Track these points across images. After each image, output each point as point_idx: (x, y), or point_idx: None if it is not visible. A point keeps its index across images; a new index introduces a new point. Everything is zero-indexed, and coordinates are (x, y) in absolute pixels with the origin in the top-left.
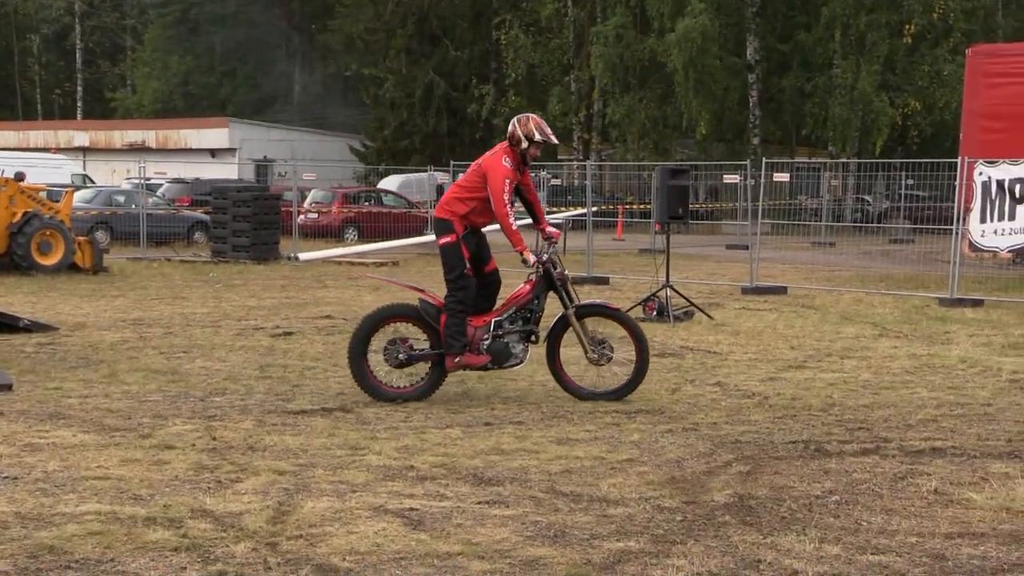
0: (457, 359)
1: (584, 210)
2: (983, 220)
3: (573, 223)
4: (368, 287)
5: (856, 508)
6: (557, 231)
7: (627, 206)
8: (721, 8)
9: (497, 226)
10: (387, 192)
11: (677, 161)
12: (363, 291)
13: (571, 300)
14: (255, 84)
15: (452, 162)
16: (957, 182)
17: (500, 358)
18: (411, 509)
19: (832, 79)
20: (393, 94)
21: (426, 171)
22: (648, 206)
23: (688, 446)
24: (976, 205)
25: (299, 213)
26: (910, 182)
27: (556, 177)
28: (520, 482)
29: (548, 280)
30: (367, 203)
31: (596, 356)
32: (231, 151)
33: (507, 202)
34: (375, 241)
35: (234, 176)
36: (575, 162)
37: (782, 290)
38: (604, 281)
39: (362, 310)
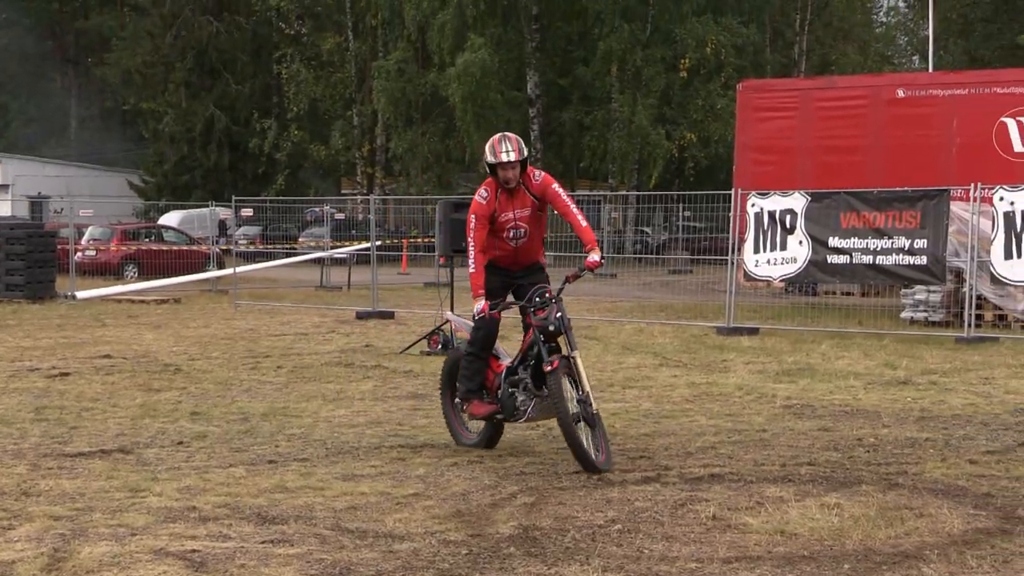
0: (465, 407)
1: (367, 244)
2: (757, 250)
3: (357, 257)
4: (149, 325)
5: (638, 536)
6: (598, 260)
7: (411, 240)
8: (501, 43)
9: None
10: (168, 228)
11: (460, 195)
12: (143, 329)
13: (543, 356)
14: (29, 119)
15: (234, 197)
16: (731, 213)
17: (507, 410)
18: (193, 551)
19: (610, 113)
20: (173, 128)
21: (207, 206)
22: (432, 239)
23: (473, 479)
24: (750, 236)
25: (76, 250)
26: (687, 214)
27: (340, 211)
28: (305, 520)
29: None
30: (147, 240)
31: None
32: (3, 187)
33: (471, 239)
34: (156, 278)
35: (6, 213)
36: (359, 196)
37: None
38: (389, 316)
39: (143, 348)
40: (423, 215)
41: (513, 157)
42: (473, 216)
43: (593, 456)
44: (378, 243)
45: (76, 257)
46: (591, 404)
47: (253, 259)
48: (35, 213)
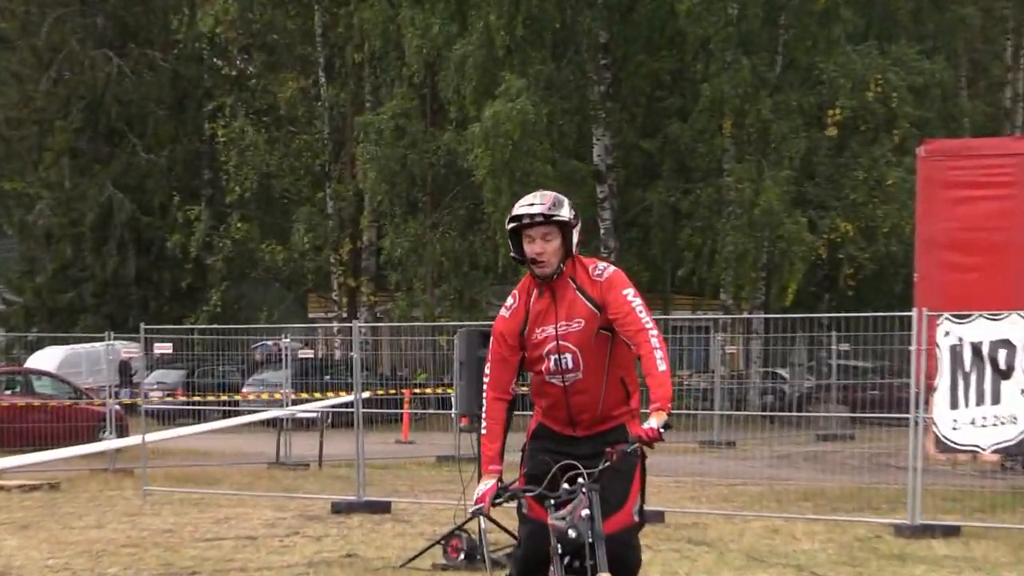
0: None
1: (349, 397)
2: (954, 404)
3: (334, 417)
4: (11, 525)
5: None
6: (655, 429)
7: (417, 390)
8: (552, 86)
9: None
10: (41, 374)
11: (491, 320)
12: (1, 531)
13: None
14: None
15: (143, 326)
16: (914, 346)
17: None
18: None
19: (722, 192)
20: (50, 220)
21: (102, 340)
22: (449, 389)
23: None
24: (943, 381)
25: None
26: (844, 347)
27: (307, 346)
28: None
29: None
30: (9, 392)
31: None
32: None
33: (485, 374)
34: (23, 451)
35: None
36: (335, 322)
37: (657, 516)
38: (383, 508)
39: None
40: (435, 352)
41: (539, 209)
42: (493, 339)
43: None
44: (365, 395)
45: None
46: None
47: (172, 420)
48: None
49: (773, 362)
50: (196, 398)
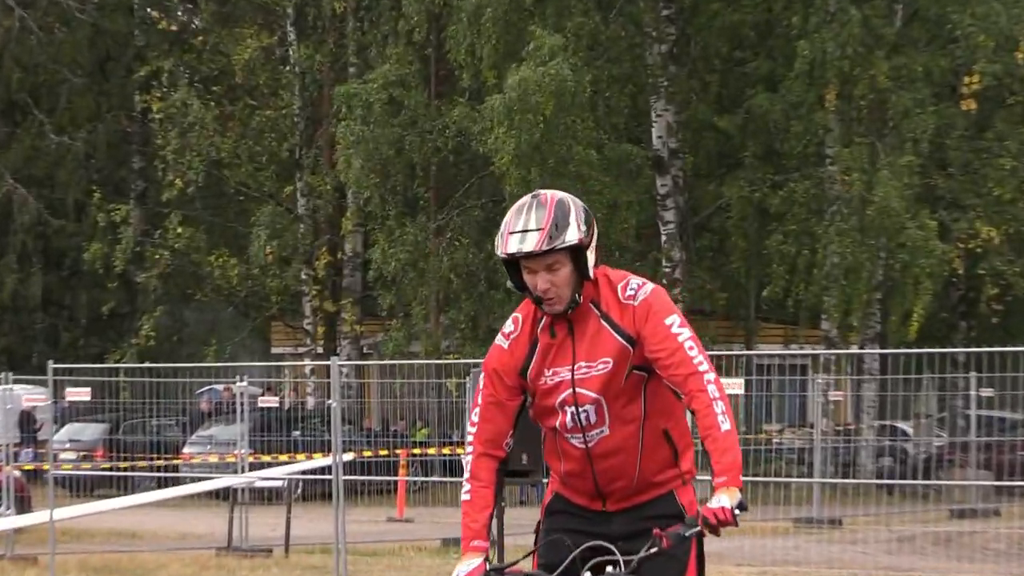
0: None
1: (327, 460)
2: None
3: (305, 487)
4: None
5: None
6: (729, 511)
7: (417, 451)
8: (596, 47)
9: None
10: None
11: None
12: None
13: None
14: None
15: (52, 364)
16: None
17: None
18: None
19: (823, 185)
20: None
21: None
22: (460, 449)
23: None
24: None
25: None
26: (988, 392)
27: (270, 391)
28: None
29: None
30: None
31: None
32: None
33: (473, 422)
34: None
35: None
36: (307, 361)
37: None
38: None
39: None
40: (441, 399)
41: (534, 242)
42: (482, 376)
43: None
44: (347, 458)
45: None
46: None
47: (90, 491)
48: None
49: (892, 413)
50: (122, 462)
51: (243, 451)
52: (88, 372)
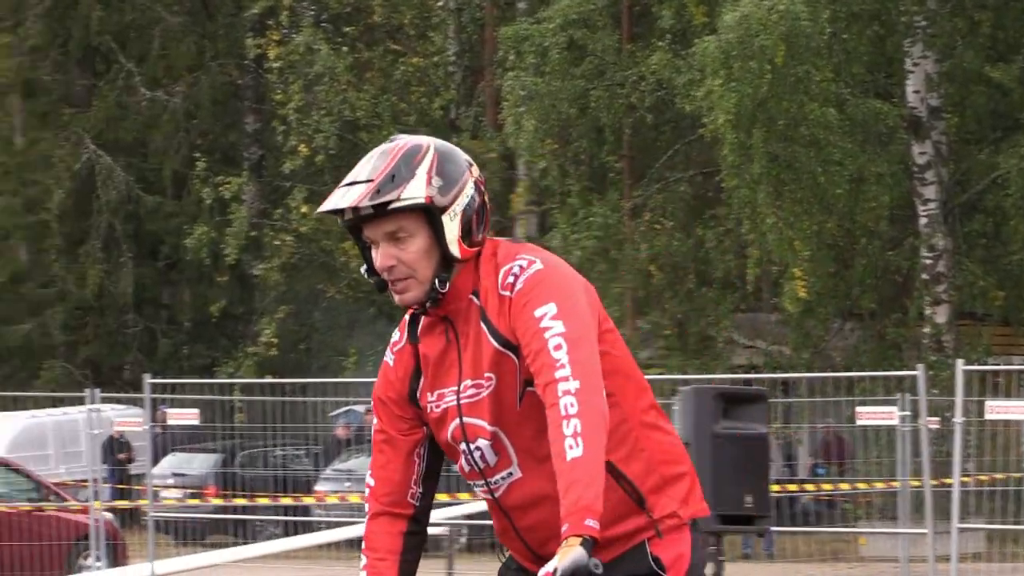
0: None
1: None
2: None
3: (469, 533)
4: None
5: None
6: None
7: None
8: None
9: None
10: None
11: (742, 372)
12: None
13: None
14: None
15: (149, 378)
16: None
17: None
18: None
19: None
20: None
21: (84, 401)
22: None
23: None
24: None
25: None
26: None
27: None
28: None
29: None
30: None
31: None
32: None
33: (369, 472)
34: None
35: None
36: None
37: None
38: None
39: None
40: None
41: (356, 195)
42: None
43: None
44: None
45: None
46: None
47: (199, 537)
48: None
49: None
50: (238, 500)
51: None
52: (194, 389)
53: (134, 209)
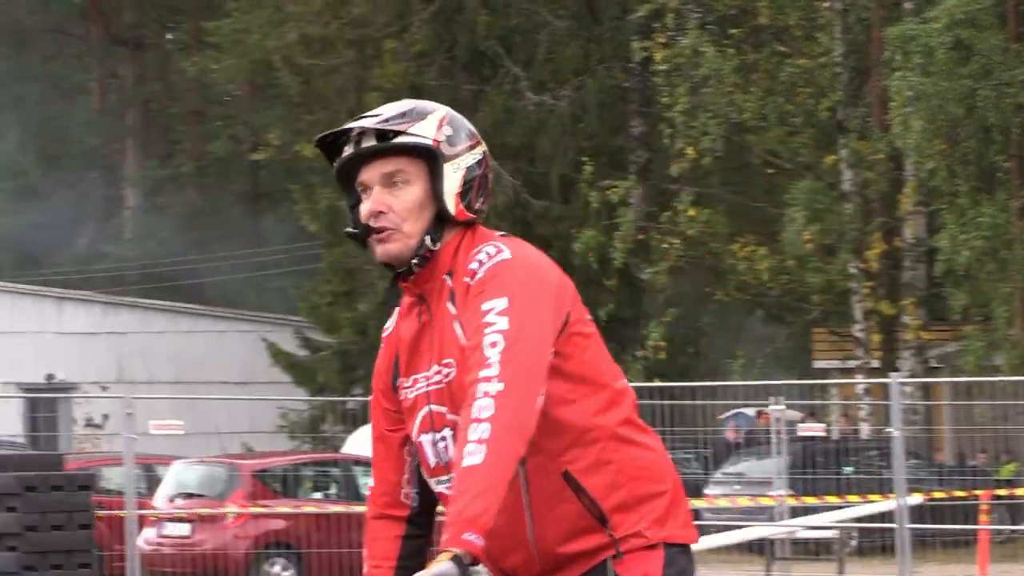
0: None
1: (888, 503)
2: None
3: (860, 537)
4: None
5: None
6: None
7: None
8: None
9: None
10: (364, 465)
11: None
12: None
13: None
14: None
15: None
16: None
17: None
18: None
19: None
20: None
21: None
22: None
23: None
24: None
25: (142, 523)
26: None
27: (812, 416)
28: None
29: None
30: (317, 495)
31: None
32: None
33: (370, 479)
34: None
35: None
36: (859, 378)
37: None
38: None
39: None
40: None
41: (365, 122)
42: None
43: None
44: (914, 500)
45: (141, 542)
46: None
47: None
48: (36, 427)
49: None
50: None
51: (781, 492)
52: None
53: (522, 213)
